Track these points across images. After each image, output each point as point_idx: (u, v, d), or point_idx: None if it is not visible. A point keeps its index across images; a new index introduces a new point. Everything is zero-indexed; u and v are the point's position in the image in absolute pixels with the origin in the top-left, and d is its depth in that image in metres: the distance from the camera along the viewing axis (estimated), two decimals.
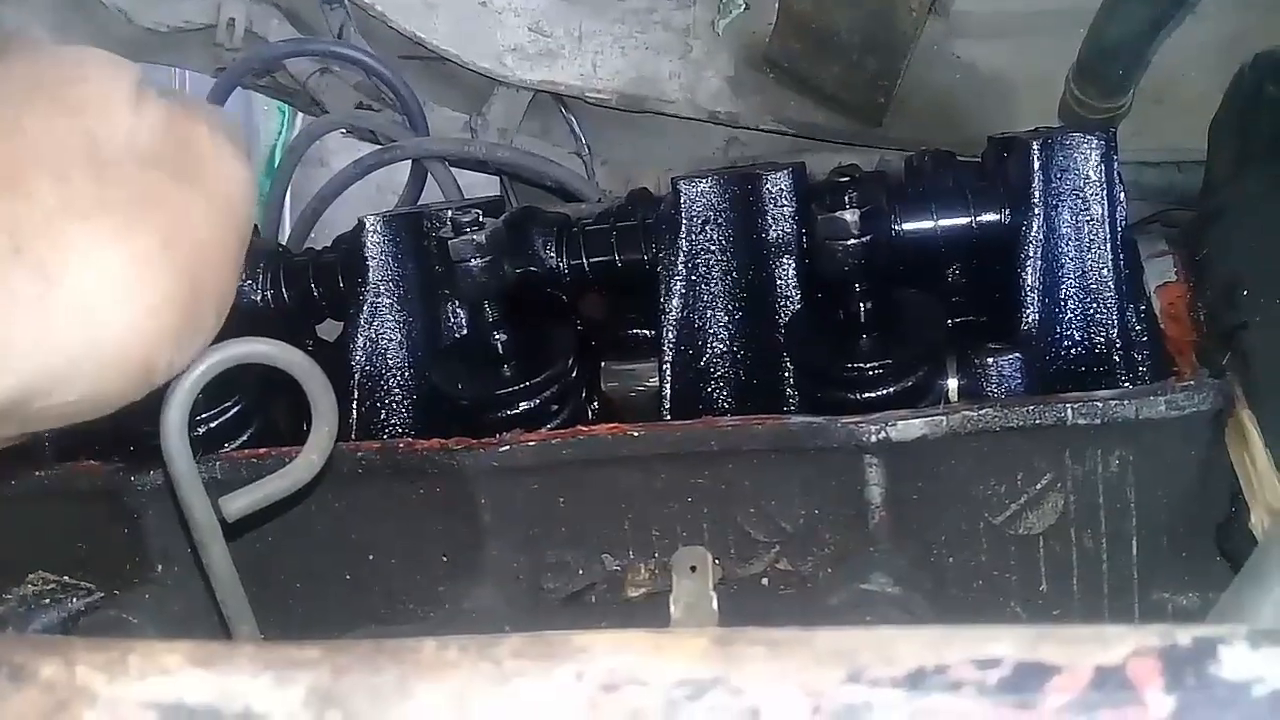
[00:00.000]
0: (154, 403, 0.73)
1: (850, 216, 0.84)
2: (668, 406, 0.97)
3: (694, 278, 0.98)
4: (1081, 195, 0.92)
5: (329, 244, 1.17)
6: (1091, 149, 0.92)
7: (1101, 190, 0.92)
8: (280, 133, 3.29)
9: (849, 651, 0.39)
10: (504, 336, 0.95)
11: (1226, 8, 1.30)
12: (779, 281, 0.96)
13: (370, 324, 1.03)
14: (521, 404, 0.93)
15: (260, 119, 3.25)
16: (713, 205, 0.97)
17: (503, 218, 0.98)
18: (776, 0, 1.64)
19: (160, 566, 0.93)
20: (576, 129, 1.82)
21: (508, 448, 0.88)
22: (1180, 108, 1.45)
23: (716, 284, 0.97)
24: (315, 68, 1.87)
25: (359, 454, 0.90)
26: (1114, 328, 0.91)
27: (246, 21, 1.86)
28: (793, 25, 1.58)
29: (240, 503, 0.75)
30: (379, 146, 1.73)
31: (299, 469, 0.77)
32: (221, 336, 0.70)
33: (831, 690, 0.38)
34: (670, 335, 0.97)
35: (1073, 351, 0.93)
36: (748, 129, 1.74)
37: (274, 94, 2.08)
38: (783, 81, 1.69)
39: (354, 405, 1.01)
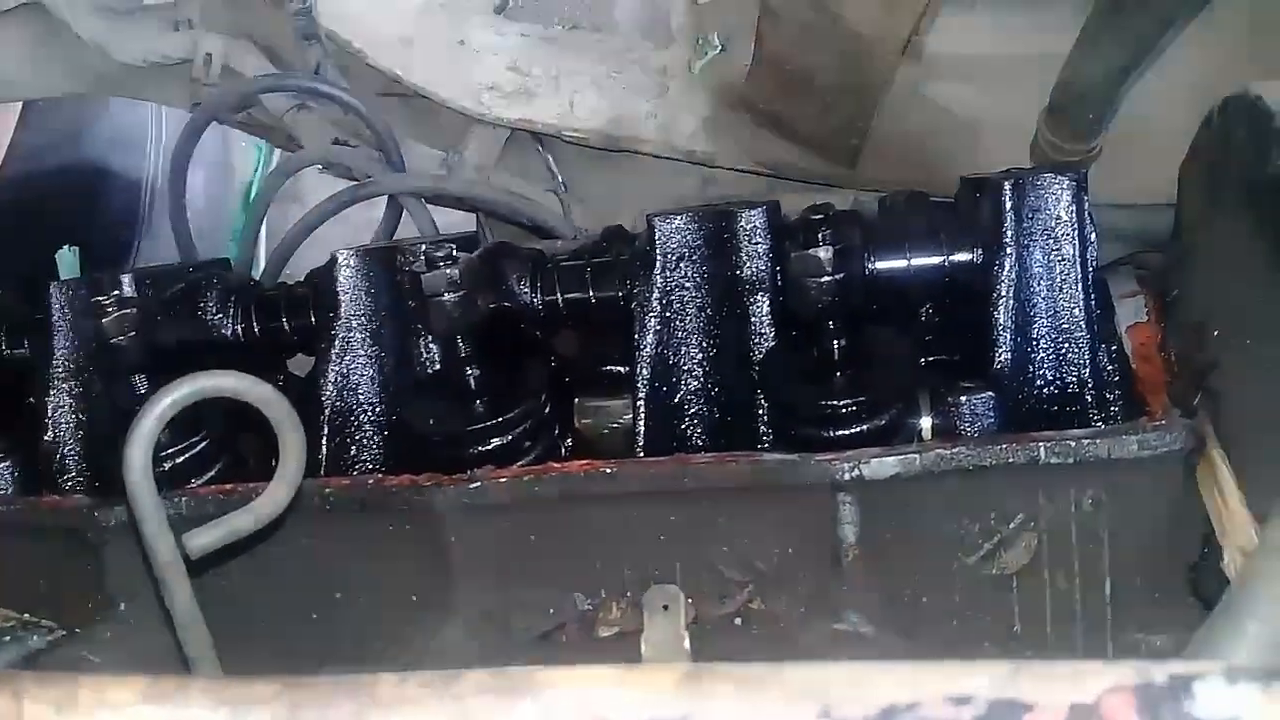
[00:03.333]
0: (120, 436, 0.72)
1: (824, 254, 0.84)
2: (641, 443, 0.96)
3: (669, 314, 0.98)
4: (1053, 235, 0.93)
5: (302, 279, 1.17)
6: (1063, 189, 0.93)
7: (1073, 230, 0.92)
8: (256, 169, 3.29)
9: (820, 688, 0.39)
10: (476, 372, 0.94)
11: (1194, 53, 1.32)
12: (753, 318, 0.96)
13: (341, 359, 1.02)
14: (493, 440, 0.92)
15: (236, 156, 3.25)
16: (687, 242, 0.97)
17: (477, 253, 0.98)
18: (753, 42, 1.65)
19: (123, 604, 0.91)
20: (553, 167, 1.83)
21: (479, 484, 0.87)
22: (1150, 151, 1.46)
23: (691, 320, 0.97)
24: (292, 104, 1.87)
25: (327, 490, 0.89)
26: (1086, 367, 0.92)
27: (224, 57, 1.86)
28: (769, 67, 1.59)
29: (204, 539, 0.74)
30: (355, 183, 1.73)
31: (265, 505, 0.76)
32: (193, 370, 0.69)
33: None
34: (645, 372, 0.97)
35: (1045, 391, 0.93)
36: (724, 169, 1.75)
37: (250, 130, 2.08)
38: (758, 122, 1.70)
39: (324, 441, 1.00)
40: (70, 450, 1.02)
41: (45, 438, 1.03)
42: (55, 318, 1.03)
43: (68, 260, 2.22)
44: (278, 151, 2.68)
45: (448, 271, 0.88)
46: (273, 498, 0.75)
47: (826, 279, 0.84)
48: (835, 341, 0.89)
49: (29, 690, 0.44)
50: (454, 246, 0.91)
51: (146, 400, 0.84)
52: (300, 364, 1.17)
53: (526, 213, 1.58)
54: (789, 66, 1.59)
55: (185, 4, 1.87)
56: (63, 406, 1.04)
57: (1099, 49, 1.28)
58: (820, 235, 0.84)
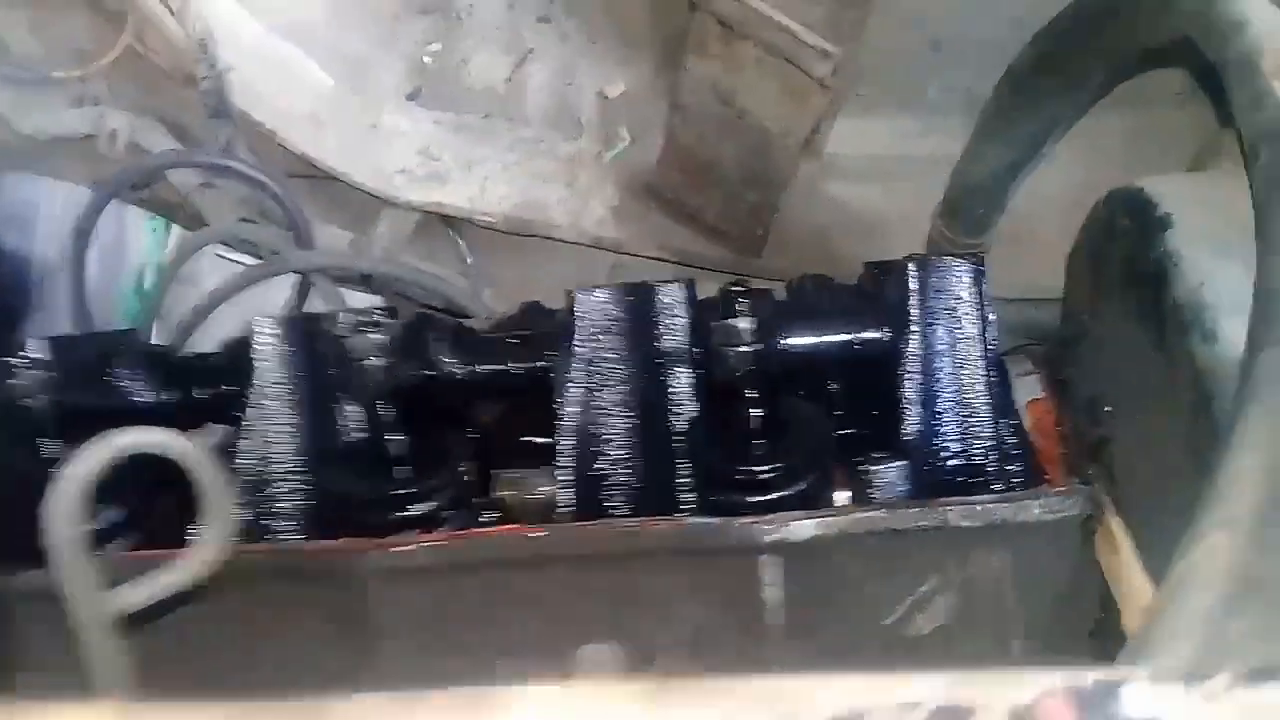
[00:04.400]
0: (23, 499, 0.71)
1: (744, 324, 0.88)
2: (566, 511, 0.97)
3: (590, 385, 1.00)
4: (955, 315, 0.98)
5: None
6: (964, 272, 0.99)
7: (974, 310, 0.98)
8: (154, 248, 3.23)
9: (772, 698, 0.41)
10: (399, 438, 0.94)
11: (1078, 158, 1.41)
12: (673, 389, 0.99)
13: (256, 426, 1.02)
14: (415, 506, 0.93)
15: (130, 234, 3.20)
16: (609, 314, 1.00)
17: (401, 321, 0.99)
18: (661, 136, 1.72)
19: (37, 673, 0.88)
20: (464, 249, 1.85)
21: (400, 549, 0.87)
22: (1036, 249, 1.56)
23: (612, 391, 0.99)
24: (198, 181, 1.87)
25: (244, 556, 0.88)
26: (989, 439, 0.97)
27: (130, 134, 1.85)
28: (677, 158, 1.66)
29: (130, 597, 0.73)
30: (261, 260, 1.73)
31: (194, 562, 0.75)
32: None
33: None
34: (567, 441, 0.98)
35: (951, 462, 0.97)
36: (632, 255, 1.80)
37: (152, 208, 2.06)
38: (666, 211, 1.76)
39: (241, 510, 0.98)
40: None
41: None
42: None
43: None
44: (174, 231, 2.64)
45: (374, 337, 0.89)
46: (200, 555, 0.74)
47: (746, 348, 0.88)
48: (753, 410, 0.92)
49: None
50: (379, 312, 0.93)
51: (53, 462, 0.84)
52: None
53: (440, 291, 1.60)
54: (697, 158, 1.66)
55: (92, 80, 1.85)
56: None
57: (988, 151, 1.37)
58: (738, 305, 0.88)
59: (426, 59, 2.00)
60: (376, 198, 1.81)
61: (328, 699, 0.42)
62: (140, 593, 0.74)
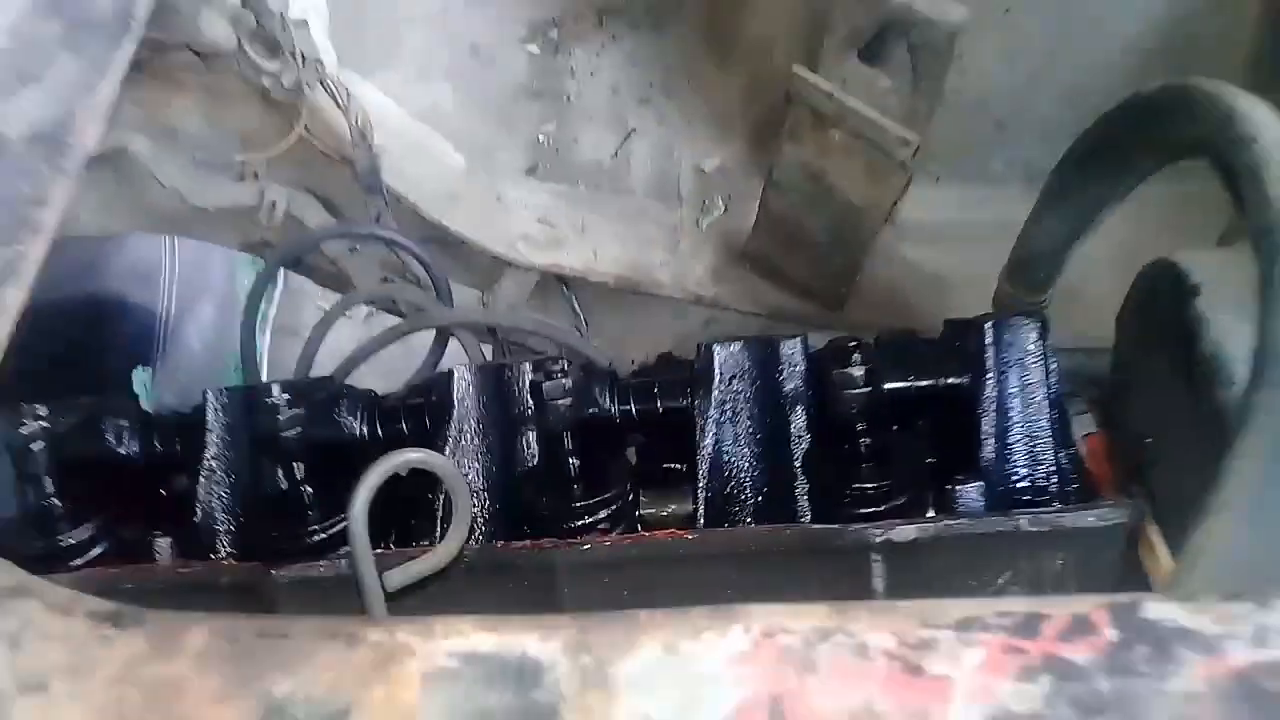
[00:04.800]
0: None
1: (857, 371, 1.11)
2: (701, 524, 1.20)
3: (723, 421, 1.23)
4: (1024, 364, 1.21)
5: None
6: (1031, 329, 1.21)
7: (1039, 360, 1.20)
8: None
9: (919, 613, 0.63)
10: (577, 463, 1.18)
11: (1125, 225, 1.62)
12: (793, 425, 1.22)
13: (453, 456, 1.26)
14: (593, 515, 1.16)
15: (240, 287, 3.43)
16: (739, 364, 1.24)
17: (573, 373, 1.24)
18: (752, 204, 1.96)
19: None
20: (576, 306, 2.09)
21: (586, 547, 1.10)
22: (1088, 304, 1.77)
23: (742, 426, 1.23)
24: (348, 247, 2.12)
25: (465, 554, 1.11)
26: (1051, 464, 1.19)
27: (286, 206, 2.10)
28: (770, 225, 1.89)
29: (399, 577, 0.97)
30: (403, 317, 1.98)
31: (444, 552, 0.99)
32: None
33: (908, 632, 0.62)
34: (704, 468, 1.22)
35: (1020, 484, 1.19)
36: (727, 309, 2.02)
37: (303, 272, 2.31)
38: (758, 272, 1.98)
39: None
40: (221, 528, 1.25)
41: (194, 518, 1.25)
42: (210, 418, 1.27)
43: (141, 378, 2.42)
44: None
45: (563, 382, 1.13)
46: (449, 548, 0.98)
47: (859, 390, 1.11)
48: (863, 440, 1.15)
49: (400, 627, 0.67)
50: (563, 364, 1.17)
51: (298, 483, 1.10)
52: None
53: (568, 344, 1.83)
54: (788, 226, 1.88)
55: (252, 160, 2.12)
56: (212, 493, 1.26)
57: (1048, 222, 1.59)
58: (854, 356, 1.11)
59: (541, 138, 2.27)
60: (500, 260, 2.06)
61: (635, 611, 0.65)
62: (405, 575, 0.98)
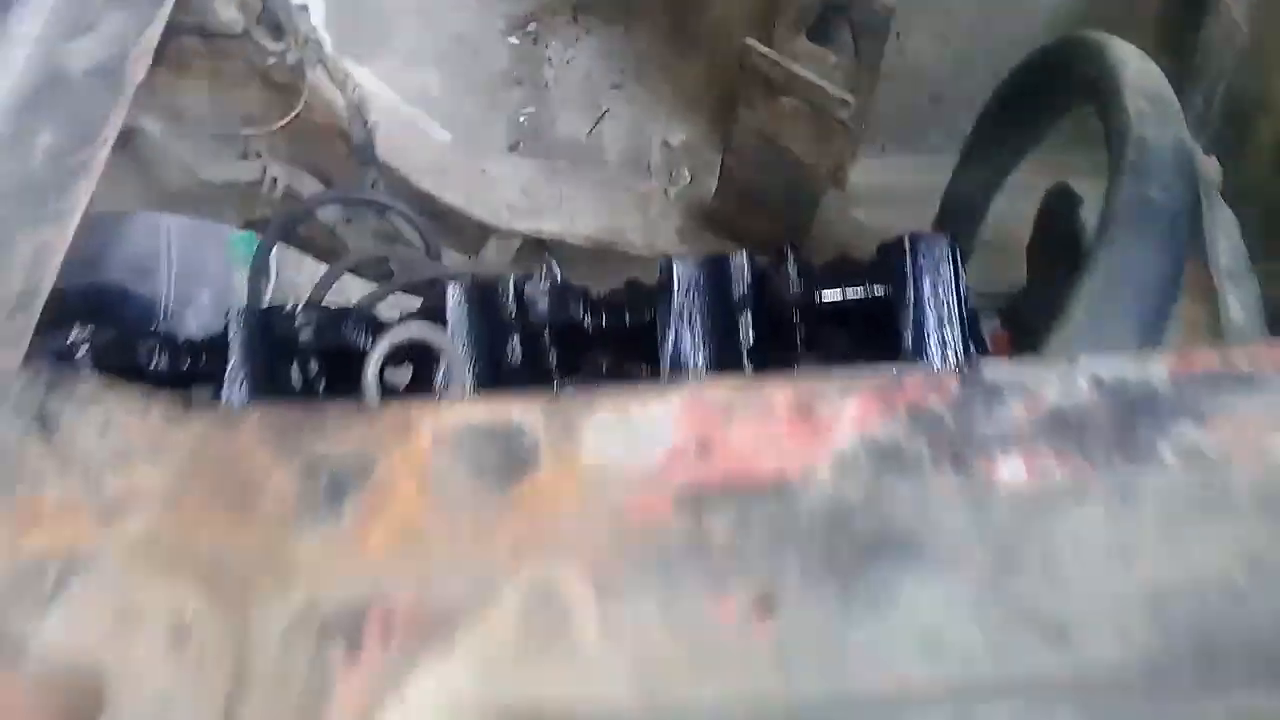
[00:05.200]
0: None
1: (793, 271, 1.31)
2: None
3: (681, 324, 1.42)
4: (937, 268, 1.40)
5: None
6: (943, 240, 1.41)
7: (949, 264, 1.40)
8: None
9: (810, 379, 0.82)
10: (554, 360, 1.38)
11: (1049, 178, 1.83)
12: (740, 326, 1.41)
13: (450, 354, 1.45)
14: None
15: (236, 277, 3.58)
16: (695, 275, 1.43)
17: (546, 286, 1.43)
18: (715, 174, 2.16)
19: None
20: (554, 266, 2.29)
21: None
22: (1014, 254, 1.98)
23: (698, 328, 1.42)
24: (342, 216, 2.31)
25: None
26: (961, 355, 1.38)
27: (286, 181, 2.29)
28: (730, 186, 2.10)
29: None
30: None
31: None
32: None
33: (803, 390, 0.81)
34: (665, 364, 1.41)
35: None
36: None
37: (296, 243, 2.50)
38: (720, 232, 2.19)
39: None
40: None
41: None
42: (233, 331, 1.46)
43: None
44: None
45: (542, 287, 1.33)
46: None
47: (796, 290, 1.31)
48: (799, 333, 1.34)
49: (412, 404, 0.85)
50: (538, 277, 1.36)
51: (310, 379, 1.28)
52: None
53: None
54: (746, 189, 2.09)
55: (253, 138, 2.31)
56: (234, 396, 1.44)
57: (970, 175, 1.80)
58: (790, 257, 1.31)
59: (522, 119, 2.47)
60: (486, 227, 2.26)
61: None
62: None
